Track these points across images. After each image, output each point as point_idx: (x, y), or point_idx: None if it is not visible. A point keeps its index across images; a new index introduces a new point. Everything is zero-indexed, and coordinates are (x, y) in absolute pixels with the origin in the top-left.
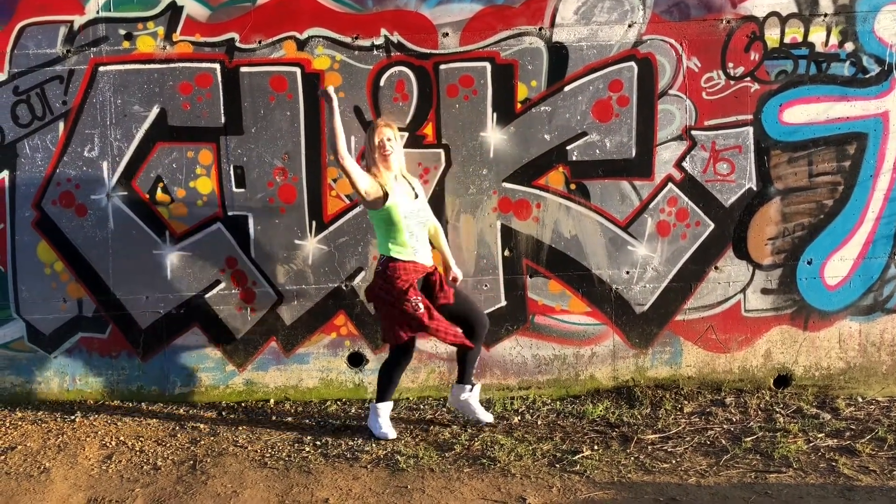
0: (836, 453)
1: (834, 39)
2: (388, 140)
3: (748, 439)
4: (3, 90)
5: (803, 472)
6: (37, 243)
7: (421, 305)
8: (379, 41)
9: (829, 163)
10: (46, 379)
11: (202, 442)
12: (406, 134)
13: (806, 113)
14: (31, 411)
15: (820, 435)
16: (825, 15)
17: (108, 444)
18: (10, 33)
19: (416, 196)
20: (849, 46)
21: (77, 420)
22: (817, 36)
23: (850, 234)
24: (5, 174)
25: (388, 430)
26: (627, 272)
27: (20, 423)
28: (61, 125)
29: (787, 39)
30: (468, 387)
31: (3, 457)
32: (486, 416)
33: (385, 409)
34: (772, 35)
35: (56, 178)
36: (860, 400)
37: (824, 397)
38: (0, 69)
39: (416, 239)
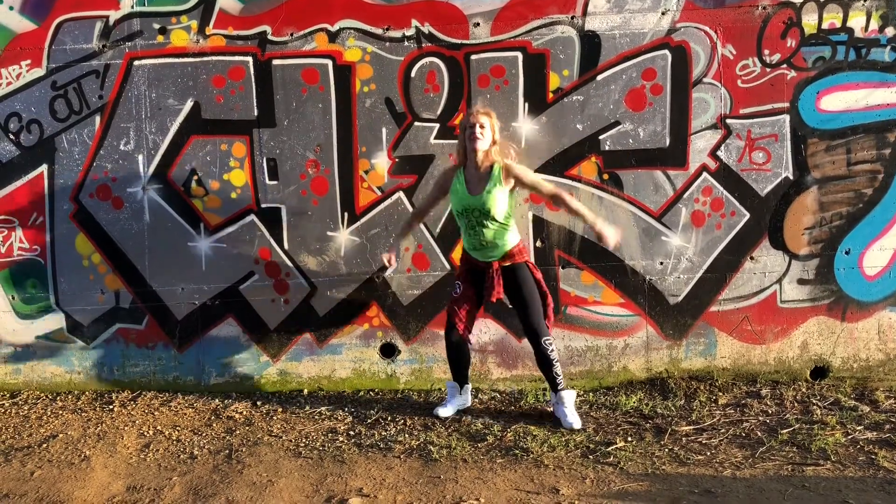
0: (876, 446)
1: (874, 24)
2: (482, 127)
3: (784, 431)
4: (41, 85)
5: (842, 464)
6: (75, 236)
7: (458, 289)
8: (410, 32)
9: (869, 151)
10: (85, 369)
11: (237, 431)
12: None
13: (844, 100)
14: (72, 400)
15: (858, 427)
16: None
17: (145, 433)
18: (47, 29)
19: (480, 192)
20: (889, 31)
21: (115, 409)
22: (856, 21)
23: (891, 224)
24: (44, 168)
25: (439, 408)
26: (661, 263)
27: (61, 411)
28: (98, 119)
29: (825, 25)
30: (553, 394)
31: (45, 444)
32: (576, 422)
33: (449, 387)
34: (809, 21)
35: (93, 171)
36: None
37: (863, 389)
38: (38, 64)
39: (472, 235)
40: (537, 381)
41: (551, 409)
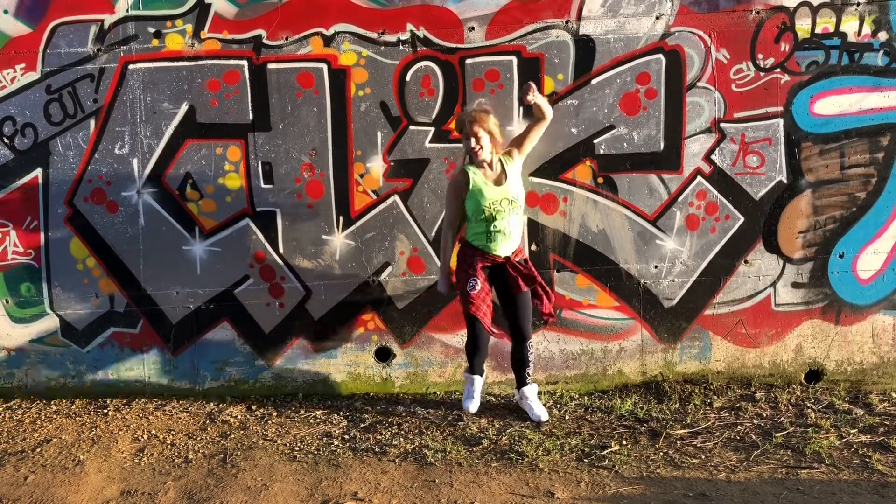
0: (870, 449)
1: (867, 29)
2: (479, 138)
3: (779, 435)
4: (36, 89)
5: (836, 468)
6: (69, 239)
7: (477, 285)
8: (405, 36)
9: (862, 154)
10: (80, 373)
11: (232, 435)
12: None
13: (838, 104)
14: (66, 404)
15: (853, 430)
16: (858, 4)
17: (140, 437)
18: (42, 33)
19: (506, 180)
20: (882, 36)
21: (110, 413)
22: (849, 25)
23: (884, 227)
24: (38, 171)
25: (468, 401)
26: (656, 266)
27: (55, 416)
28: (92, 123)
29: (818, 29)
30: (517, 390)
31: (38, 449)
32: (543, 415)
33: (470, 379)
34: (803, 25)
35: (88, 175)
36: (894, 395)
37: (857, 392)
38: (33, 68)
39: (498, 229)
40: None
41: (514, 400)
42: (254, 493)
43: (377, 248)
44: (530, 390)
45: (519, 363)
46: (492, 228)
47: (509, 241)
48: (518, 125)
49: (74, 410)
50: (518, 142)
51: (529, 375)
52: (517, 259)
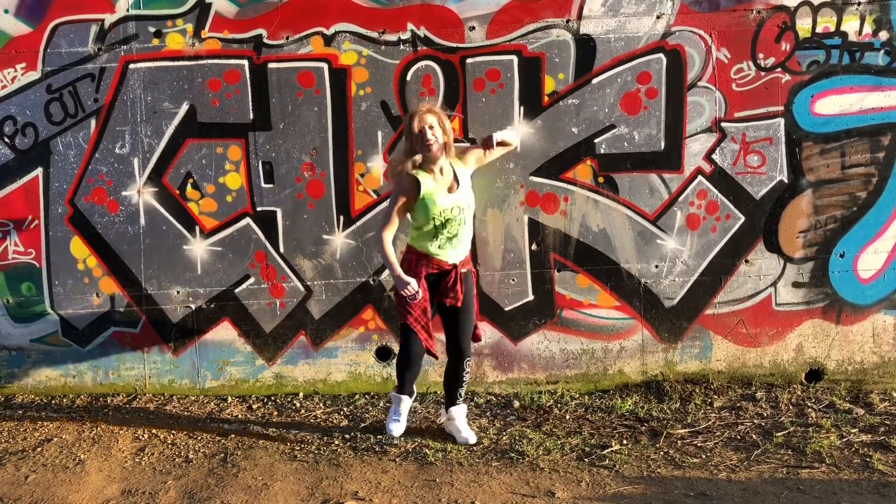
0: (870, 449)
1: (868, 28)
2: (431, 128)
3: (779, 434)
4: (36, 88)
5: (836, 467)
6: (70, 239)
7: (418, 295)
8: (405, 36)
9: (863, 154)
10: (80, 372)
11: (233, 435)
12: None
13: (838, 104)
14: (66, 404)
15: (853, 430)
16: (858, 3)
17: (140, 436)
18: (43, 32)
19: (457, 187)
20: (883, 35)
21: (110, 413)
22: (850, 25)
23: (885, 227)
24: (39, 171)
25: (392, 424)
26: (656, 266)
27: (55, 415)
28: (93, 122)
29: (819, 29)
30: (445, 410)
31: (39, 448)
32: (470, 437)
33: (397, 399)
34: (803, 25)
35: (88, 174)
36: (895, 395)
37: (857, 392)
38: (34, 68)
39: (451, 235)
40: (532, 384)
41: (440, 422)
42: (254, 492)
43: (377, 248)
44: (458, 411)
45: (453, 381)
46: (441, 236)
47: (459, 249)
48: (518, 125)
49: (75, 410)
50: (470, 156)
51: (461, 396)
52: (464, 270)
